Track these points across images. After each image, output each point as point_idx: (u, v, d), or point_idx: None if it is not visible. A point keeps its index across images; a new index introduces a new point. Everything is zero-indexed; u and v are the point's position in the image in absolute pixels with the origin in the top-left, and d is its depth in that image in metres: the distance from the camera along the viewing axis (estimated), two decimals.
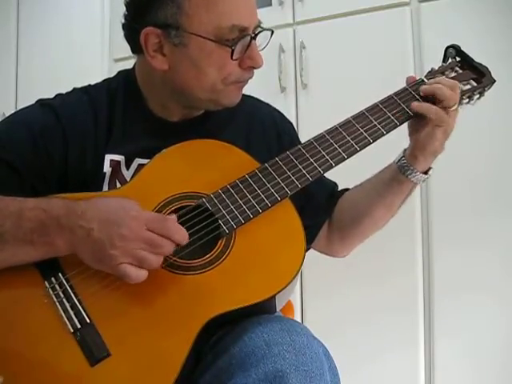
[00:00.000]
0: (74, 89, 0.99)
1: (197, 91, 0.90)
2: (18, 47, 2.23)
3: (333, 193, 1.07)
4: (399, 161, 0.94)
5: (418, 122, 0.90)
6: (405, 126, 0.93)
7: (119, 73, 1.01)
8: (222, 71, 0.87)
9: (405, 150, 0.94)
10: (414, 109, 0.89)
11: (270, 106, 1.10)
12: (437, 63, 0.99)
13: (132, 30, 0.90)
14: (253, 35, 0.87)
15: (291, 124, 1.11)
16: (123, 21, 0.92)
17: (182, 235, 0.76)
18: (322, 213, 1.05)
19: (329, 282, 1.63)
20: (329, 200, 1.06)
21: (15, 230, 0.76)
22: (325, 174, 0.90)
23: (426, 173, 0.93)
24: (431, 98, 0.89)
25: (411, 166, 0.91)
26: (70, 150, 0.90)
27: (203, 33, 0.84)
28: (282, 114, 1.10)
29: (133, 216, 0.75)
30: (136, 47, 0.91)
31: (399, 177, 0.93)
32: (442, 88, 0.87)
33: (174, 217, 0.78)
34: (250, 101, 1.06)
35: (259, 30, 0.89)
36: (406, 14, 1.70)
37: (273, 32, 0.91)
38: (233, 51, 0.85)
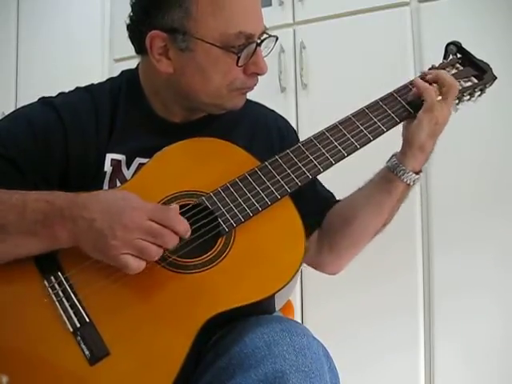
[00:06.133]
0: (77, 88, 0.98)
1: (201, 95, 0.90)
2: (18, 47, 2.23)
3: (326, 203, 1.03)
4: (389, 160, 0.93)
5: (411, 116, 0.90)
6: None
7: (123, 72, 1.01)
8: (227, 77, 0.87)
9: (396, 152, 0.93)
10: (415, 82, 0.91)
11: (275, 113, 1.09)
12: (437, 63, 0.98)
13: (137, 31, 0.90)
14: (258, 42, 0.87)
15: (295, 131, 1.10)
16: (128, 21, 0.91)
17: (184, 226, 0.76)
18: (313, 221, 1.00)
19: (329, 283, 1.61)
20: (321, 209, 1.02)
21: (18, 221, 0.76)
22: (326, 179, 0.89)
23: (417, 173, 0.91)
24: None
25: (400, 164, 0.90)
26: (70, 149, 0.90)
27: (210, 39, 0.84)
28: (286, 121, 1.10)
29: (134, 207, 0.75)
30: (140, 48, 0.91)
31: (388, 175, 0.92)
32: (444, 73, 0.90)
33: (175, 206, 0.78)
34: (255, 106, 1.06)
35: (265, 36, 0.89)
36: (405, 14, 1.70)
37: (277, 38, 0.91)
38: (238, 58, 0.85)
